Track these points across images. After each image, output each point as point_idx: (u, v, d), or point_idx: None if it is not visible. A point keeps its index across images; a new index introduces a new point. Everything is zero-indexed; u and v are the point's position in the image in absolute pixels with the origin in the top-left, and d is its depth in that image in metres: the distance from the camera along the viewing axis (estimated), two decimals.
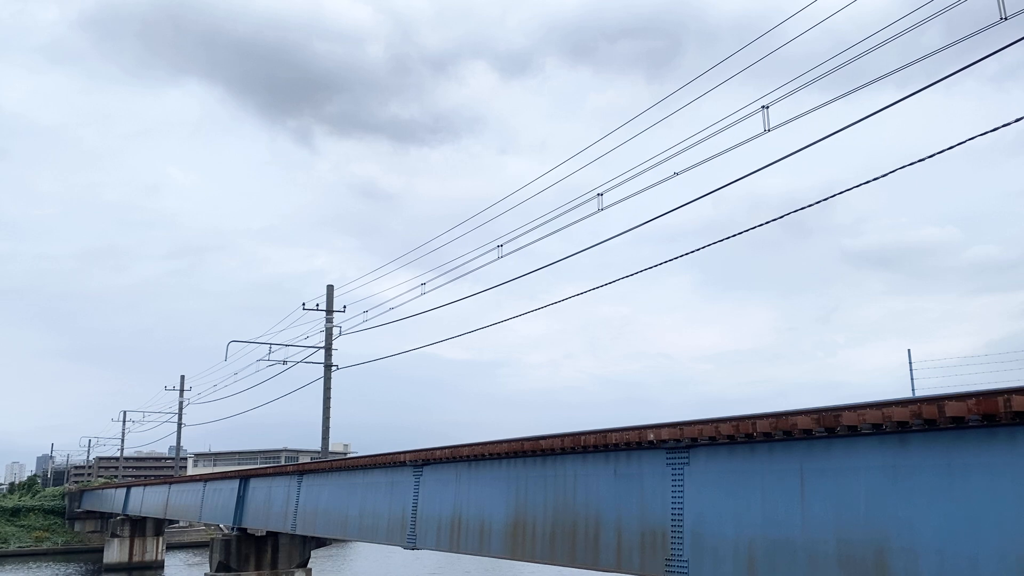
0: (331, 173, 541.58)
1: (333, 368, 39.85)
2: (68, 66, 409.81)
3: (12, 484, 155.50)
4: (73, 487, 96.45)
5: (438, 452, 19.42)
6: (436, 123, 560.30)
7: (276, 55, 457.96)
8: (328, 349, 40.08)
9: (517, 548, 16.46)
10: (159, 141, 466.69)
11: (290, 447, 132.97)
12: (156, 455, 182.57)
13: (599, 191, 19.46)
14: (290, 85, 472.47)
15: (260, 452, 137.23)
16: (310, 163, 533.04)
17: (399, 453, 21.47)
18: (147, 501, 56.32)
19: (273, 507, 30.63)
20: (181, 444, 78.65)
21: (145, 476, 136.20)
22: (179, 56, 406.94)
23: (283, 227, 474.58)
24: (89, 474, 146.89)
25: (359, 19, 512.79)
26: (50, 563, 70.07)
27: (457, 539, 18.55)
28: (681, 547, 12.70)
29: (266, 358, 41.16)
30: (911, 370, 38.64)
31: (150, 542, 67.54)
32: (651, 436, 13.23)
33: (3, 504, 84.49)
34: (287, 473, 30.20)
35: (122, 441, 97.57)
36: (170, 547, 75.31)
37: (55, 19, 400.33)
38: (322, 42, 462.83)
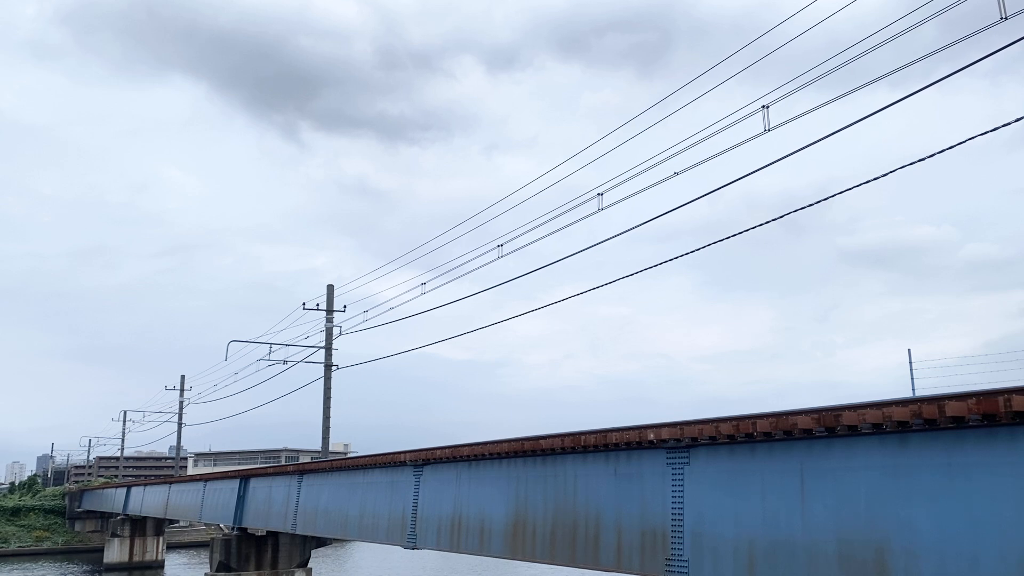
0: (321, 170, 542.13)
1: (333, 368, 39.85)
2: (51, 62, 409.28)
3: (12, 484, 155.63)
4: (73, 487, 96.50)
5: (438, 452, 19.42)
6: (427, 120, 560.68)
7: (259, 49, 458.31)
8: (328, 349, 40.08)
9: (517, 548, 16.47)
10: (148, 139, 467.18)
11: (290, 447, 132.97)
12: (156, 455, 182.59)
13: (599, 191, 19.46)
14: (275, 81, 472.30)
15: (260, 452, 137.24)
16: (299, 160, 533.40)
17: (399, 453, 21.47)
18: (147, 501, 56.33)
19: (273, 507, 30.63)
20: (181, 444, 78.68)
21: (145, 476, 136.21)
22: (162, 49, 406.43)
23: (275, 225, 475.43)
24: (89, 474, 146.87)
25: (344, 15, 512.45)
26: (50, 563, 70.08)
27: (457, 539, 18.56)
28: (681, 547, 12.71)
29: (266, 358, 41.20)
30: (911, 370, 38.62)
31: (150, 542, 67.55)
32: (651, 436, 13.23)
33: (3, 504, 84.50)
34: (287, 473, 30.21)
35: (122, 441, 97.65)
36: (170, 547, 75.33)
37: (33, 15, 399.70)
38: (307, 37, 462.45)
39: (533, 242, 23.08)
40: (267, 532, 33.04)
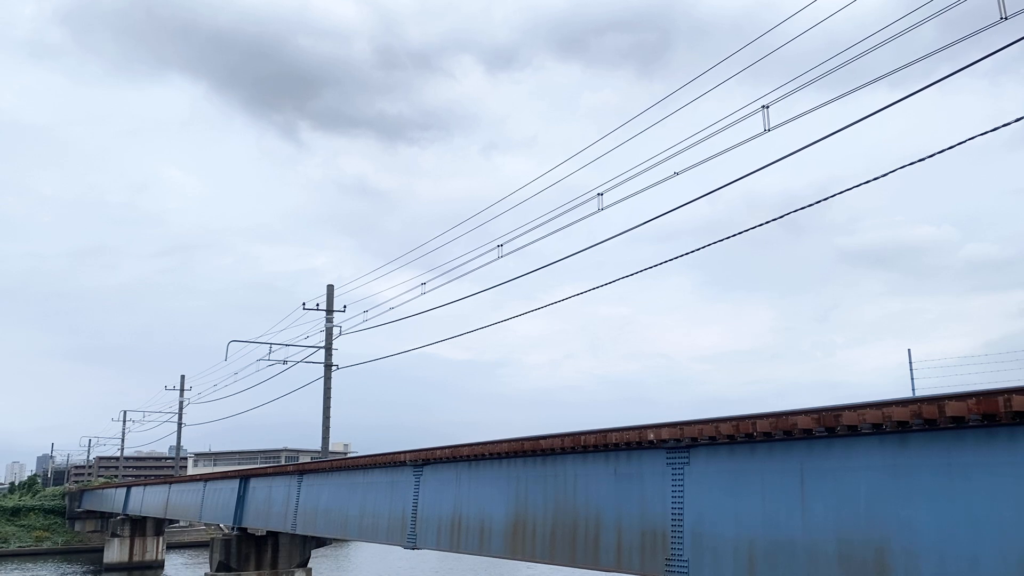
0: (320, 170, 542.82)
1: (333, 368, 39.85)
2: (51, 62, 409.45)
3: (12, 484, 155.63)
4: (73, 487, 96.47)
5: (438, 452, 19.42)
6: (426, 120, 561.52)
7: (258, 49, 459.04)
8: (328, 349, 40.08)
9: (517, 548, 16.47)
10: (148, 139, 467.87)
11: (290, 447, 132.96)
12: (156, 455, 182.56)
13: (599, 191, 19.47)
14: (274, 80, 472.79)
15: (260, 452, 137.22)
16: (297, 159, 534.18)
17: (399, 453, 21.47)
18: (147, 501, 56.33)
19: (273, 507, 30.63)
20: (181, 444, 78.67)
21: (145, 476, 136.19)
22: (160, 49, 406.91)
23: (275, 225, 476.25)
24: (89, 474, 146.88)
25: (343, 14, 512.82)
26: (50, 563, 70.07)
27: (457, 539, 18.56)
28: (681, 547, 12.71)
29: (266, 358, 41.19)
30: (911, 370, 38.63)
31: (150, 542, 67.53)
32: (651, 436, 13.23)
33: (3, 504, 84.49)
34: (287, 473, 30.21)
35: (122, 441, 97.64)
36: (170, 547, 75.32)
37: (32, 15, 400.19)
38: (306, 37, 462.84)
39: (533, 242, 23.10)
40: (267, 532, 33.03)
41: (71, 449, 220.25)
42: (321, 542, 31.72)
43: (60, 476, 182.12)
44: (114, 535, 66.61)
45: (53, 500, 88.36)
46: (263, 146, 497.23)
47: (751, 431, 11.59)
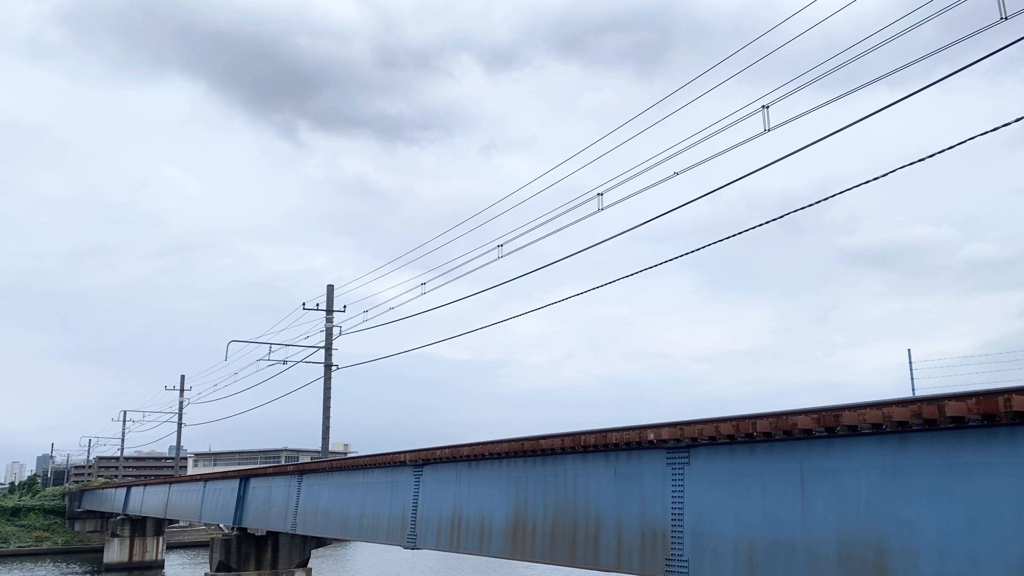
0: (319, 170, 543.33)
1: (333, 368, 39.85)
2: (50, 61, 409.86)
3: (12, 484, 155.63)
4: (73, 487, 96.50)
5: (438, 452, 19.42)
6: (425, 119, 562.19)
7: (257, 49, 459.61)
8: (328, 349, 40.07)
9: (517, 548, 16.47)
10: (147, 139, 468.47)
11: (290, 447, 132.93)
12: (156, 455, 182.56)
13: (599, 191, 19.46)
14: (273, 80, 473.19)
15: (260, 452, 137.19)
16: (297, 159, 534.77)
17: (399, 453, 21.47)
18: (147, 501, 56.33)
19: (273, 507, 30.63)
20: (181, 444, 78.67)
21: (145, 476, 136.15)
22: (159, 49, 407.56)
23: (275, 225, 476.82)
24: (89, 474, 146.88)
25: (342, 14, 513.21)
26: (50, 563, 70.07)
27: (457, 539, 18.56)
28: (681, 547, 12.71)
29: (266, 358, 41.19)
30: (911, 370, 38.63)
31: (150, 542, 67.52)
32: (651, 436, 13.23)
33: (3, 504, 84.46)
34: (287, 473, 30.21)
35: (122, 441, 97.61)
36: (170, 547, 75.30)
37: (31, 14, 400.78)
38: (305, 37, 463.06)
39: (533, 242, 23.10)
40: (267, 532, 33.04)
41: (71, 449, 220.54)
42: (321, 542, 31.73)
43: (60, 476, 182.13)
44: (114, 535, 66.61)
45: (53, 500, 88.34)
46: (263, 146, 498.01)
47: (751, 431, 11.59)
